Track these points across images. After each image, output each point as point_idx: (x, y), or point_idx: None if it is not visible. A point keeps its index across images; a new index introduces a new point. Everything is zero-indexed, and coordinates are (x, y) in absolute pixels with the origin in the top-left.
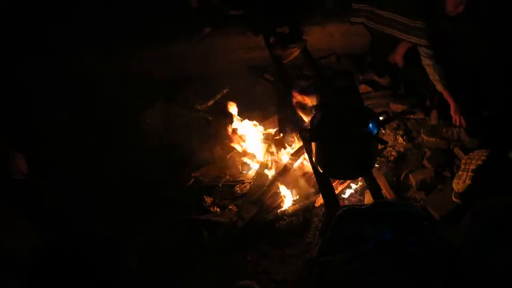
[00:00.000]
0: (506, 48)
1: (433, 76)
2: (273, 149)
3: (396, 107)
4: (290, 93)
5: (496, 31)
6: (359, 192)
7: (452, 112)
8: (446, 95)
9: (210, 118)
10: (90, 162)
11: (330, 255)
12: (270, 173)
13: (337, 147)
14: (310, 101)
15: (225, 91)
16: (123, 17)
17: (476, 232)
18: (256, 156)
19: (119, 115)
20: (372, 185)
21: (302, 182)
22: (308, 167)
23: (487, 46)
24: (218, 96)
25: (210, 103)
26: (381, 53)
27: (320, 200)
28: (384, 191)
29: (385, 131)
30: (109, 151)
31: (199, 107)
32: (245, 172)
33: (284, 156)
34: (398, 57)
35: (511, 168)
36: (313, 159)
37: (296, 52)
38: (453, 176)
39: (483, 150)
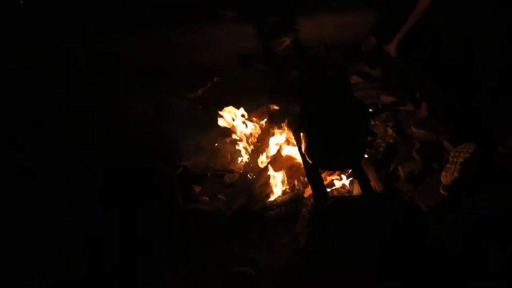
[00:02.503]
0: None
1: None
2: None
3: (387, 99)
4: (281, 82)
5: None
6: (348, 184)
7: None
8: None
9: (200, 107)
10: (75, 149)
11: (318, 246)
12: (260, 163)
13: (326, 137)
14: None
15: (215, 80)
16: None
17: (465, 228)
18: (247, 147)
19: (108, 103)
20: (360, 177)
21: (291, 172)
22: (298, 158)
23: (466, 42)
24: (208, 85)
25: (200, 91)
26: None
27: (309, 191)
28: (372, 182)
29: (375, 122)
30: (98, 139)
31: (189, 96)
32: (234, 161)
33: (274, 146)
34: (392, 46)
35: (498, 162)
36: (302, 149)
37: (287, 41)
38: (441, 169)
39: (472, 144)
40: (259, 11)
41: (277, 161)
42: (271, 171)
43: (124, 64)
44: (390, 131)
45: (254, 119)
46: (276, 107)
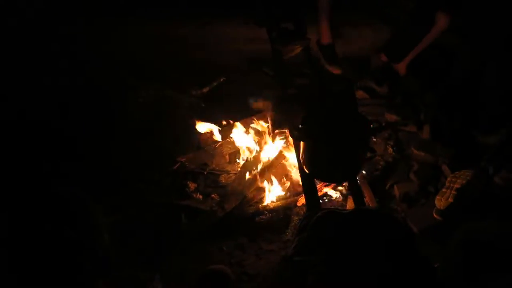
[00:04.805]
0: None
1: None
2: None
3: (391, 117)
4: (287, 88)
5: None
6: (342, 197)
7: None
8: None
9: (203, 105)
10: (76, 137)
11: (305, 255)
12: (257, 167)
13: (325, 149)
14: None
15: (221, 80)
16: None
17: (461, 260)
18: (245, 149)
19: (111, 92)
20: (355, 191)
21: (287, 179)
22: (295, 166)
23: (478, 63)
24: (214, 84)
25: (205, 90)
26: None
27: (302, 200)
28: (367, 198)
29: (376, 139)
30: (98, 128)
31: (193, 93)
32: (231, 162)
33: (272, 151)
34: (402, 65)
35: (494, 190)
36: (301, 158)
37: (297, 49)
38: (437, 192)
39: (470, 170)
40: (273, 16)
41: (274, 167)
42: (266, 177)
43: (130, 55)
44: (390, 150)
45: (254, 123)
46: (280, 113)
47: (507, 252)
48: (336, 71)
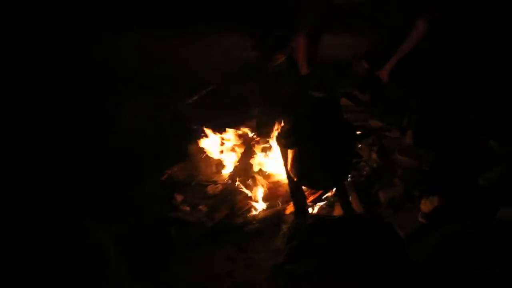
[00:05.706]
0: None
1: None
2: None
3: (374, 123)
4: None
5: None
6: (329, 204)
7: None
8: None
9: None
10: (63, 152)
11: (296, 263)
12: (244, 176)
13: (313, 156)
14: None
15: (210, 88)
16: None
17: (437, 259)
18: (231, 159)
19: (97, 106)
20: (342, 198)
21: (275, 187)
22: (283, 174)
23: (459, 67)
24: (203, 92)
25: (195, 98)
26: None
27: (290, 208)
28: (353, 204)
29: (361, 145)
30: (85, 143)
31: (182, 102)
32: (218, 173)
33: (260, 160)
34: (384, 72)
35: (478, 192)
36: (288, 166)
37: (281, 58)
38: (422, 196)
39: (454, 174)
40: (259, 24)
41: (261, 175)
42: (254, 186)
43: (120, 66)
44: (374, 155)
45: (241, 132)
46: (266, 121)
47: (480, 252)
48: (318, 95)
